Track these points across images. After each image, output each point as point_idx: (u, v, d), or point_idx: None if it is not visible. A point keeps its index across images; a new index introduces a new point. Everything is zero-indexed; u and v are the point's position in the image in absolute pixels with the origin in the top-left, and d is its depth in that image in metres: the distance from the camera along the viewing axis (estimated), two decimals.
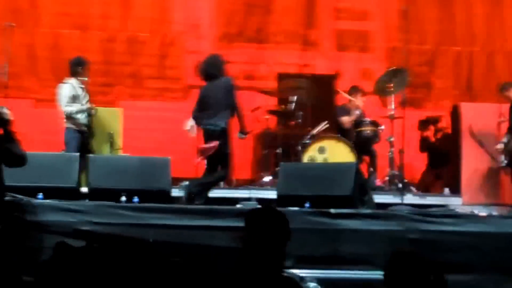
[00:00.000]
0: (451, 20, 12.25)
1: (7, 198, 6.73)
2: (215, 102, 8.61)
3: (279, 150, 10.41)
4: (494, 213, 8.32)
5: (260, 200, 8.92)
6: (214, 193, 9.51)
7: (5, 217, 6.41)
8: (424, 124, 11.21)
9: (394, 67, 10.54)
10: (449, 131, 11.38)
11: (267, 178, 10.16)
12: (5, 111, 6.37)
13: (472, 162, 10.79)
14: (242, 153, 11.01)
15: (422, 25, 12.12)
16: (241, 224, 3.92)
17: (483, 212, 8.21)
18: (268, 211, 4.15)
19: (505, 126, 10.29)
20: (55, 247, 4.79)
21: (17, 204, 7.00)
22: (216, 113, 8.58)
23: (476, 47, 12.26)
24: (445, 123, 11.39)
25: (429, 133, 11.23)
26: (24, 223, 6.83)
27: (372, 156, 10.52)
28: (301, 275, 5.82)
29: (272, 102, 11.17)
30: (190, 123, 10.21)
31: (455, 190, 10.73)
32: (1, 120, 6.29)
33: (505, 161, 9.95)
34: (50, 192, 7.53)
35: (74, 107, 9.29)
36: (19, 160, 6.37)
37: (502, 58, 12.21)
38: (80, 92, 9.39)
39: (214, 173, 8.74)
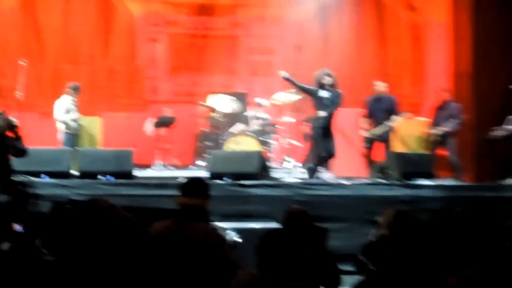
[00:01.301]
0: (327, 53, 12.26)
1: (17, 178, 6.90)
2: None
3: (209, 143, 10.64)
4: (354, 182, 8.44)
5: None
6: (165, 173, 9.87)
7: (14, 191, 6.41)
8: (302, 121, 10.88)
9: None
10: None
11: (202, 163, 10.26)
12: (13, 119, 6.62)
13: (340, 149, 10.39)
14: (185, 146, 11.36)
15: (310, 56, 11.99)
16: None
17: (346, 182, 8.40)
18: (195, 180, 4.24)
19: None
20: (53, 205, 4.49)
21: (24, 182, 7.07)
22: None
23: (345, 71, 11.72)
24: None
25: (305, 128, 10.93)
26: (28, 195, 6.76)
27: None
28: (223, 226, 5.78)
29: (206, 112, 11.27)
30: (147, 125, 10.52)
31: (329, 168, 10.78)
32: (11, 125, 6.52)
33: (367, 145, 9.62)
34: (50, 174, 7.81)
35: (67, 116, 9.56)
36: (23, 153, 6.64)
37: (361, 78, 11.99)
38: (72, 107, 9.66)
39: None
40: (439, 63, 12.56)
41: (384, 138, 9.61)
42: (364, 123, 9.75)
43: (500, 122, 9.91)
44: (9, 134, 6.60)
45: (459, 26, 12.56)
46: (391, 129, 9.68)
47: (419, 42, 12.60)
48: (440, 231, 3.62)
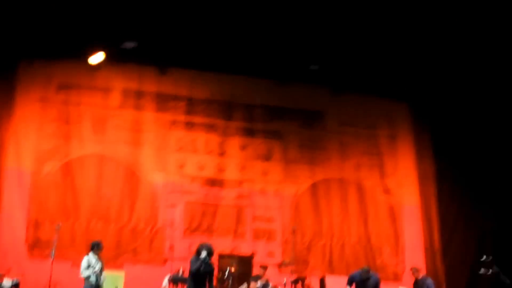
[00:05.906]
0: (318, 224, 12.04)
1: None
2: None
3: None
4: None
5: None
6: None
7: None
8: (295, 281, 10.34)
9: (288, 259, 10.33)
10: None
11: None
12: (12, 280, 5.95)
13: None
14: None
15: (303, 228, 11.90)
16: None
17: None
18: None
19: None
20: None
21: None
22: None
23: (333, 240, 11.99)
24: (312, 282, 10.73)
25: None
26: None
27: None
28: None
29: (215, 272, 10.36)
30: (165, 282, 9.69)
31: None
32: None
33: None
34: None
35: (87, 272, 8.47)
36: None
37: (349, 247, 12.01)
38: (93, 262, 8.53)
39: None
40: (413, 239, 12.43)
41: None
42: None
43: None
44: None
45: (427, 209, 12.56)
46: None
47: (395, 220, 12.54)
48: None
